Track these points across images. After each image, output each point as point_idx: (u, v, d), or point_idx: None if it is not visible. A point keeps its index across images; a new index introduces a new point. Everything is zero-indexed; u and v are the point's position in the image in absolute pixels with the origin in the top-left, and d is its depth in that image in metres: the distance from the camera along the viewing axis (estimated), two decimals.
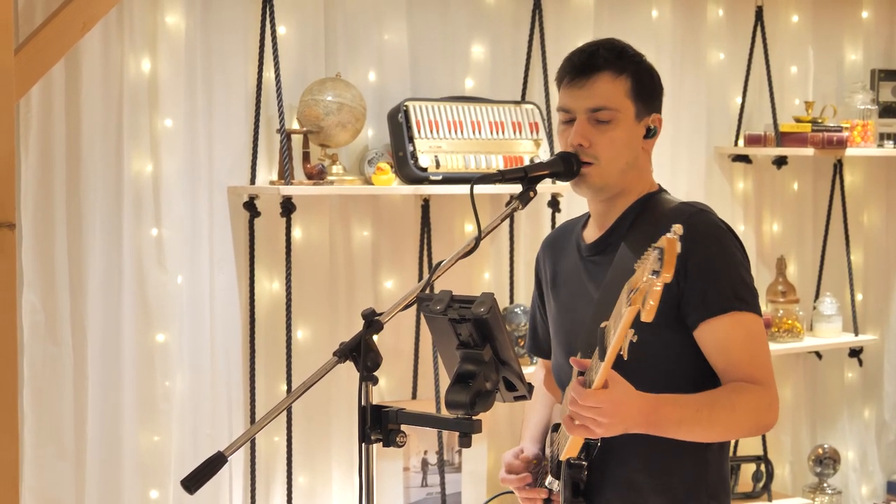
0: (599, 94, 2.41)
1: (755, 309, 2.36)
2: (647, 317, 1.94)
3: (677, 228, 1.92)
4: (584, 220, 2.58)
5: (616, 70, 2.42)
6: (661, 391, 2.27)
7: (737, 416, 2.31)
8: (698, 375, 2.37)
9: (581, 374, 2.24)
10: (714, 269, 2.33)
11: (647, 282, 1.92)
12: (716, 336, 2.34)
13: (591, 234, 2.52)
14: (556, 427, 2.51)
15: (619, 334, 2.03)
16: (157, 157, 3.71)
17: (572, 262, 2.55)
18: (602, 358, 2.11)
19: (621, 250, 2.41)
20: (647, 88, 2.45)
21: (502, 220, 2.40)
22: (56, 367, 3.58)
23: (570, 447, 2.33)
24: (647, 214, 2.44)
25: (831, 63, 5.05)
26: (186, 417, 3.78)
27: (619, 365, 2.14)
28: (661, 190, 2.52)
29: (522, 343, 4.16)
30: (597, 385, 2.15)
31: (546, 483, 2.49)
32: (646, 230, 2.38)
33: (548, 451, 2.55)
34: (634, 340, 2.03)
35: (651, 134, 2.46)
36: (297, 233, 3.97)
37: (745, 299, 2.34)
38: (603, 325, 2.12)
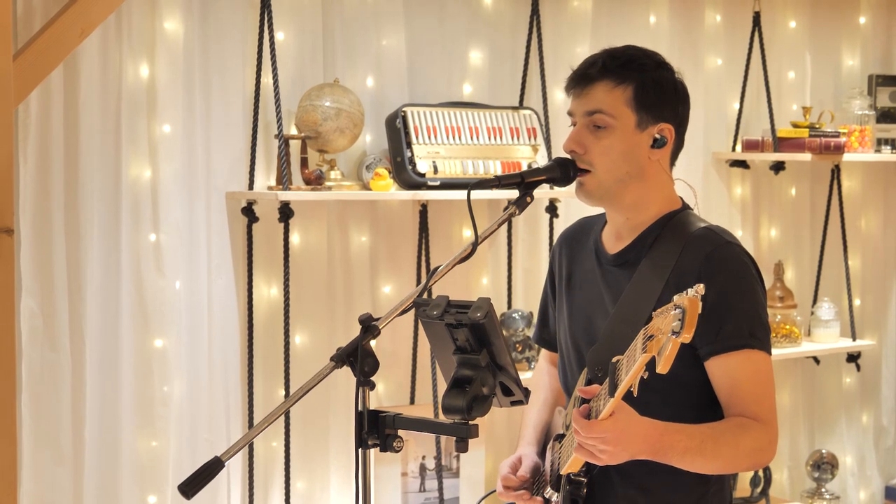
0: (596, 99, 2.41)
1: (766, 347, 2.37)
2: (663, 369, 1.97)
3: (700, 289, 1.96)
4: (603, 222, 2.57)
5: (616, 79, 2.41)
6: (662, 413, 2.28)
7: (738, 453, 2.33)
8: (701, 401, 2.39)
9: (585, 400, 2.26)
10: (733, 305, 2.33)
11: (666, 336, 1.95)
12: (726, 370, 2.35)
13: (610, 243, 2.52)
14: (560, 437, 2.51)
15: (630, 377, 2.06)
16: (155, 163, 3.71)
17: (590, 266, 2.54)
18: (612, 394, 2.13)
19: (641, 269, 2.41)
20: (652, 97, 2.42)
21: (499, 226, 2.40)
22: (54, 372, 3.58)
23: (572, 463, 2.34)
24: (670, 233, 2.43)
25: (829, 68, 5.06)
26: (184, 422, 3.78)
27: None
28: (684, 207, 2.51)
29: (520, 348, 4.17)
30: (603, 416, 2.17)
31: (545, 494, 2.49)
32: (668, 250, 2.39)
33: (548, 457, 2.55)
34: (645, 377, 2.05)
35: (659, 144, 2.44)
36: (295, 238, 3.97)
37: (758, 337, 2.36)
38: (615, 359, 2.14)
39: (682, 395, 2.37)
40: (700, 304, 1.94)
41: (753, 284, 2.40)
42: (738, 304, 2.35)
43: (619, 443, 2.19)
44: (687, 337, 1.93)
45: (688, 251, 2.38)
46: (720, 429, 2.32)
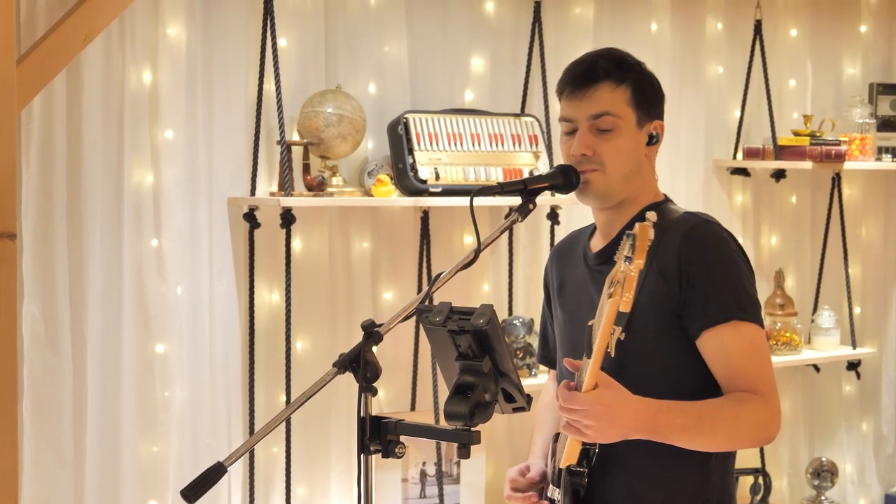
0: (601, 101, 2.43)
1: (757, 319, 2.36)
2: (625, 307, 1.95)
3: (651, 215, 1.95)
4: (591, 230, 2.59)
5: (616, 79, 2.43)
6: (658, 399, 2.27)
7: (739, 427, 2.31)
8: (701, 386, 2.37)
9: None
10: (716, 279, 2.33)
11: (623, 271, 1.93)
12: (717, 345, 2.34)
13: (597, 244, 2.53)
14: (557, 437, 2.52)
15: (602, 330, 2.03)
16: (157, 168, 3.72)
17: (579, 272, 2.56)
18: (589, 356, 2.11)
19: None
20: (647, 96, 2.46)
21: (501, 233, 2.41)
22: (56, 376, 3.59)
23: (567, 454, 2.32)
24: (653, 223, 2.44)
25: (830, 77, 5.07)
26: (186, 428, 3.78)
27: (623, 376, 2.15)
28: (666, 199, 2.52)
29: (521, 355, 4.17)
30: (586, 387, 2.16)
31: (548, 493, 2.50)
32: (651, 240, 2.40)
33: (550, 462, 2.56)
34: (622, 338, 2.03)
35: (653, 141, 2.47)
36: (296, 244, 3.98)
37: (746, 309, 2.35)
38: (590, 323, 2.13)
39: (679, 381, 2.36)
40: (651, 230, 1.92)
41: (734, 258, 2.40)
42: (722, 278, 2.34)
43: (605, 418, 2.18)
44: (640, 263, 1.91)
45: (667, 235, 2.38)
46: (718, 404, 2.31)
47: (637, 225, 1.93)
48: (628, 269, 1.92)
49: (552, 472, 2.50)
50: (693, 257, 2.28)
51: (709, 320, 2.33)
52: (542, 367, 4.07)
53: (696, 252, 2.28)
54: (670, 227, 2.39)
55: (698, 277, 2.30)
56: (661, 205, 2.49)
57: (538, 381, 4.08)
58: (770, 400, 2.33)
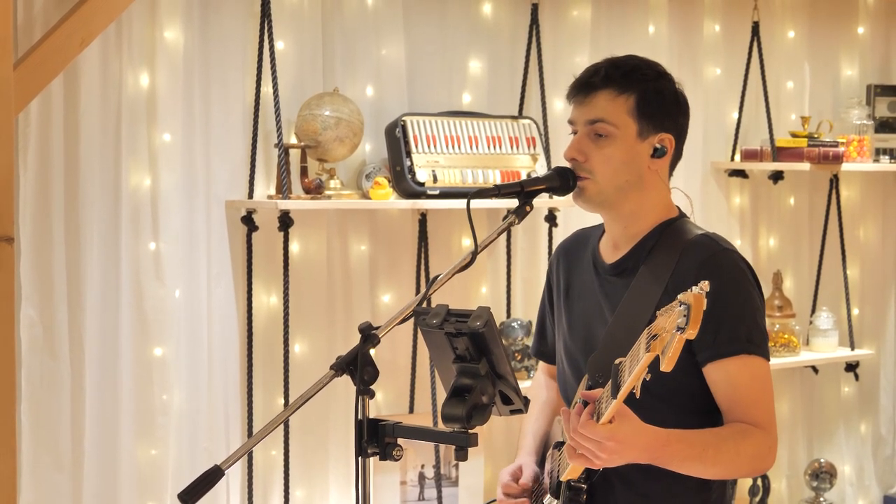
0: (598, 107, 2.42)
1: (765, 353, 2.38)
2: (667, 367, 1.96)
3: (704, 285, 1.95)
4: (600, 233, 2.58)
5: (618, 88, 2.42)
6: (662, 417, 2.28)
7: (739, 460, 2.34)
8: (700, 405, 2.40)
9: (587, 404, 2.25)
10: (730, 312, 2.34)
11: (670, 334, 1.94)
12: (724, 376, 2.36)
13: (608, 252, 2.52)
14: (559, 445, 2.51)
15: (633, 377, 2.05)
16: (155, 172, 3.72)
17: (588, 277, 2.55)
18: (614, 395, 2.12)
19: (639, 276, 2.42)
20: (654, 107, 2.44)
21: (499, 235, 2.41)
22: (54, 380, 3.59)
23: (572, 469, 2.34)
24: (668, 240, 2.44)
25: (827, 78, 5.07)
26: (184, 431, 3.78)
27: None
28: (681, 215, 2.52)
29: (519, 357, 4.17)
30: (604, 420, 2.17)
31: (544, 501, 2.50)
32: (665, 257, 2.40)
33: (547, 465, 2.55)
34: (648, 379, 2.05)
35: (659, 154, 2.45)
36: (294, 247, 3.98)
37: (756, 343, 2.36)
38: (618, 361, 2.13)
39: (685, 401, 2.38)
40: (705, 300, 1.94)
41: (750, 290, 2.41)
42: (736, 310, 2.35)
43: (616, 451, 2.19)
44: (692, 333, 1.93)
45: (685, 257, 2.39)
46: (721, 436, 2.33)
47: (692, 295, 1.94)
48: (677, 336, 1.94)
49: (550, 480, 2.50)
50: (711, 287, 2.29)
51: (719, 351, 2.34)
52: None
53: (714, 283, 2.29)
54: (688, 250, 2.40)
55: (713, 308, 2.27)
56: (675, 221, 2.49)
57: None
58: (769, 432, 2.36)
